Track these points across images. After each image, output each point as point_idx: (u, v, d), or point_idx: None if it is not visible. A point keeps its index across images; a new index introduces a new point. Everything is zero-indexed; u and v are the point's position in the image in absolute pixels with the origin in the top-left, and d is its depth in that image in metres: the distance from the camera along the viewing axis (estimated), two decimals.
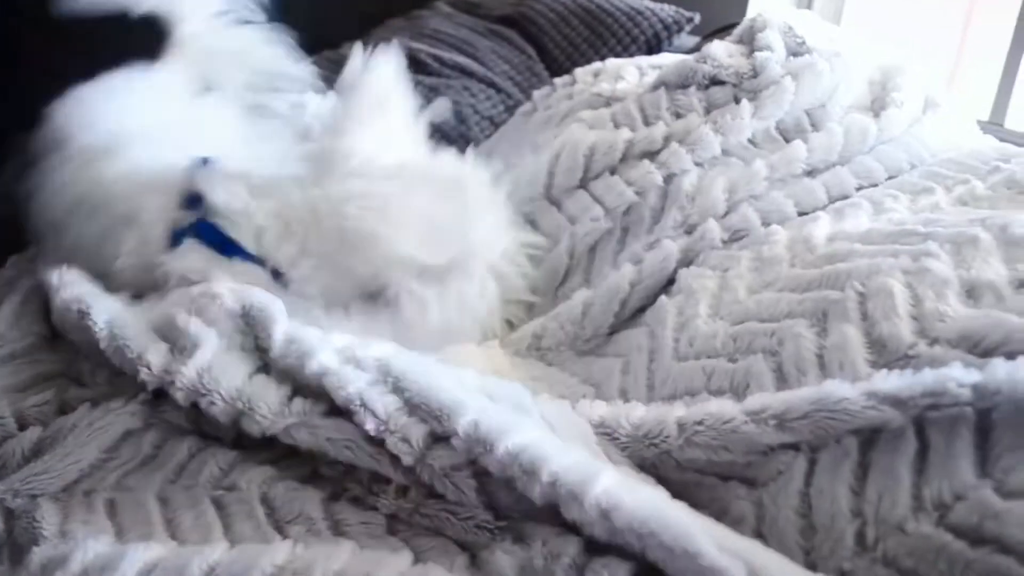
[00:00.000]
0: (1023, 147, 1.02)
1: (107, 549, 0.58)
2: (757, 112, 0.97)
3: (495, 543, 0.60)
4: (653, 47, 1.55)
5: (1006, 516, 0.53)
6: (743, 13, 1.75)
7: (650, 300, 0.91)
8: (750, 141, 0.98)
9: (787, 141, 0.99)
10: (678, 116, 1.01)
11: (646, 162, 0.99)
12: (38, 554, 0.59)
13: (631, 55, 1.53)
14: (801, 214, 0.92)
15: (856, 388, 0.61)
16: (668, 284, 0.91)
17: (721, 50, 1.03)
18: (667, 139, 0.99)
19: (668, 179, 0.98)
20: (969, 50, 1.87)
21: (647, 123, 1.03)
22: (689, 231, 0.94)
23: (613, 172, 1.01)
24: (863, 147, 0.98)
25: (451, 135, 1.39)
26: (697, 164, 0.97)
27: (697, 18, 1.58)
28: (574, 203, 1.03)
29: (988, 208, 0.86)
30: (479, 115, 1.41)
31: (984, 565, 0.51)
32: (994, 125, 1.62)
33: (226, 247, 0.88)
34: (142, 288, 0.87)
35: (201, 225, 0.89)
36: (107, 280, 0.86)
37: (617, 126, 1.06)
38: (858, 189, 0.95)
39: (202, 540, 0.61)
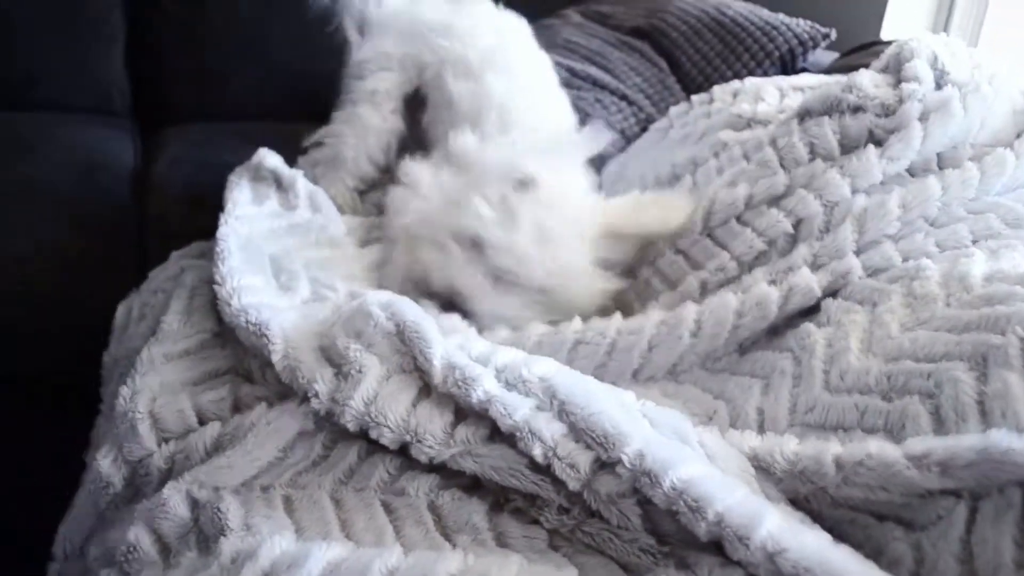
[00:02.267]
0: None
1: (292, 547, 0.62)
2: (885, 153, 0.96)
3: (658, 568, 0.62)
4: (788, 63, 1.54)
5: None
6: (878, 29, 1.73)
7: (788, 324, 0.91)
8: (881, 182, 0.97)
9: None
10: (812, 150, 1.00)
11: (773, 211, 0.99)
12: (227, 545, 0.63)
13: (765, 71, 1.52)
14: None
15: None
16: (806, 312, 0.91)
17: (867, 80, 1.02)
18: (790, 186, 0.99)
19: (797, 224, 0.98)
20: None
21: (783, 164, 1.02)
22: (816, 269, 0.94)
23: (739, 220, 1.01)
24: (1002, 184, 0.96)
25: None
26: (825, 207, 0.97)
27: (833, 34, 1.56)
28: (698, 251, 1.03)
29: None
30: (612, 128, 1.43)
31: None
32: None
33: None
34: None
35: None
36: None
37: (748, 161, 1.06)
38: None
39: (376, 543, 0.65)
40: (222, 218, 1.00)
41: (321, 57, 1.65)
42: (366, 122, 1.29)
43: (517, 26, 1.33)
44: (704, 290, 1.00)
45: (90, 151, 1.47)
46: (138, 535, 0.68)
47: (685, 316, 0.92)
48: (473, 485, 0.72)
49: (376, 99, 1.29)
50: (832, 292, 0.91)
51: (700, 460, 0.67)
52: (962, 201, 0.95)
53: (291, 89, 1.77)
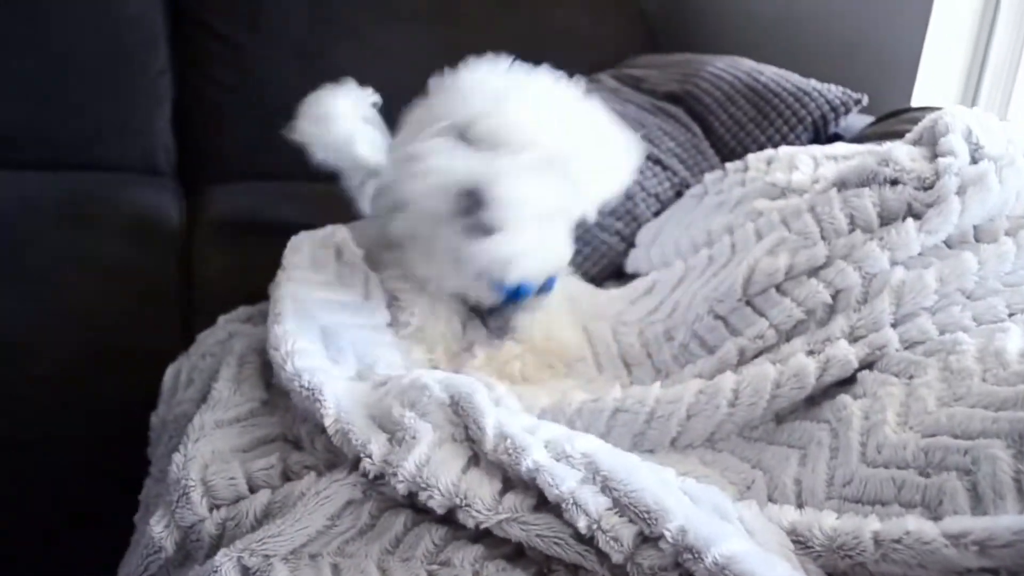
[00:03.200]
0: None
1: None
2: (923, 227, 0.97)
3: None
4: (820, 128, 1.56)
5: None
6: (909, 94, 1.74)
7: (825, 394, 0.93)
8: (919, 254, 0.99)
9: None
10: (852, 221, 1.02)
11: (813, 281, 1.00)
12: None
13: (798, 135, 1.54)
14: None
15: None
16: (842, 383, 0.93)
17: (903, 153, 1.04)
18: (830, 257, 1.01)
19: (836, 295, 0.99)
20: None
21: (823, 235, 1.04)
22: (854, 341, 0.95)
23: (778, 289, 1.03)
24: None
25: (618, 211, 1.44)
26: (864, 278, 0.98)
27: (865, 99, 1.58)
28: (738, 318, 1.05)
29: None
30: (645, 192, 1.46)
31: None
32: None
33: None
34: None
35: None
36: None
37: (789, 229, 1.08)
38: None
39: None
40: (279, 276, 1.03)
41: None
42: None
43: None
44: (742, 357, 1.02)
45: (136, 211, 1.51)
46: None
47: (723, 385, 0.94)
48: (517, 555, 0.73)
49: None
50: (869, 364, 0.93)
51: (740, 536, 0.68)
52: (998, 274, 0.96)
53: None
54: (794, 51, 1.93)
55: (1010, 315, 0.93)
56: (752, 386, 0.93)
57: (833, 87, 1.60)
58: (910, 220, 0.98)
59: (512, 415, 0.81)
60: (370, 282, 1.08)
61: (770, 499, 0.84)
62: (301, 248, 1.08)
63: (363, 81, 1.78)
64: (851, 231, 1.02)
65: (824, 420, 0.89)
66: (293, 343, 0.89)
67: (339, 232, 1.15)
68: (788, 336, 1.00)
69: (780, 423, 0.94)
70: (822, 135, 1.56)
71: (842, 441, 0.85)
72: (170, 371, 1.05)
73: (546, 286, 1.19)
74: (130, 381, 1.14)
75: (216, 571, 0.71)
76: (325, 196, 1.51)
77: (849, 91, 1.60)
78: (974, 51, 1.78)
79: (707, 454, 0.94)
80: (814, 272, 1.01)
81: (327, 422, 0.80)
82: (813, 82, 1.62)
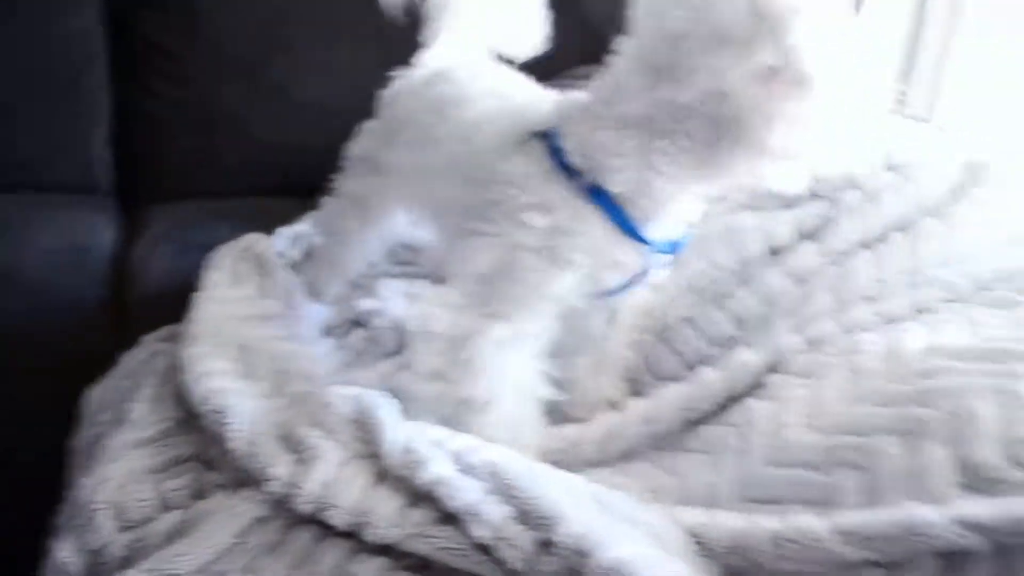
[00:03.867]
0: None
1: None
2: (822, 249, 1.02)
3: None
4: None
5: None
6: None
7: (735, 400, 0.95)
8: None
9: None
10: (770, 247, 1.06)
11: (718, 314, 1.06)
12: None
13: None
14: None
15: (941, 512, 0.64)
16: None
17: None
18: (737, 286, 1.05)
19: (739, 323, 1.04)
20: None
21: (737, 258, 1.08)
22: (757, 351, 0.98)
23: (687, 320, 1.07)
24: (938, 256, 1.00)
25: None
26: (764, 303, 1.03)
27: None
28: (655, 356, 1.07)
29: None
30: None
31: None
32: None
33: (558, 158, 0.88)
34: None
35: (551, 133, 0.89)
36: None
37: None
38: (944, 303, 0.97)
39: None
40: (196, 298, 1.03)
41: (302, 135, 1.73)
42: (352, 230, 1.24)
43: None
44: None
45: (73, 233, 1.51)
46: None
47: (636, 408, 0.98)
48: (420, 566, 0.74)
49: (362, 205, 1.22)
50: (776, 368, 0.94)
51: (639, 539, 0.70)
52: (899, 274, 0.99)
53: (274, 166, 1.81)
54: None
55: (917, 312, 0.96)
56: (661, 407, 0.96)
57: None
58: (808, 243, 1.03)
59: (422, 428, 0.82)
60: (293, 292, 1.09)
61: (682, 503, 0.85)
62: (221, 264, 1.09)
63: (303, 96, 1.80)
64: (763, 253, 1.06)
65: (732, 424, 0.91)
66: (204, 365, 0.90)
67: (259, 242, 1.15)
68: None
69: (693, 429, 0.95)
70: None
71: (747, 443, 0.86)
72: (91, 394, 1.05)
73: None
74: (57, 403, 1.14)
75: None
76: (265, 211, 1.52)
77: None
78: (903, 54, 1.81)
79: (620, 465, 0.95)
80: (719, 300, 1.05)
81: (233, 444, 0.81)
82: None
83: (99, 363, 1.17)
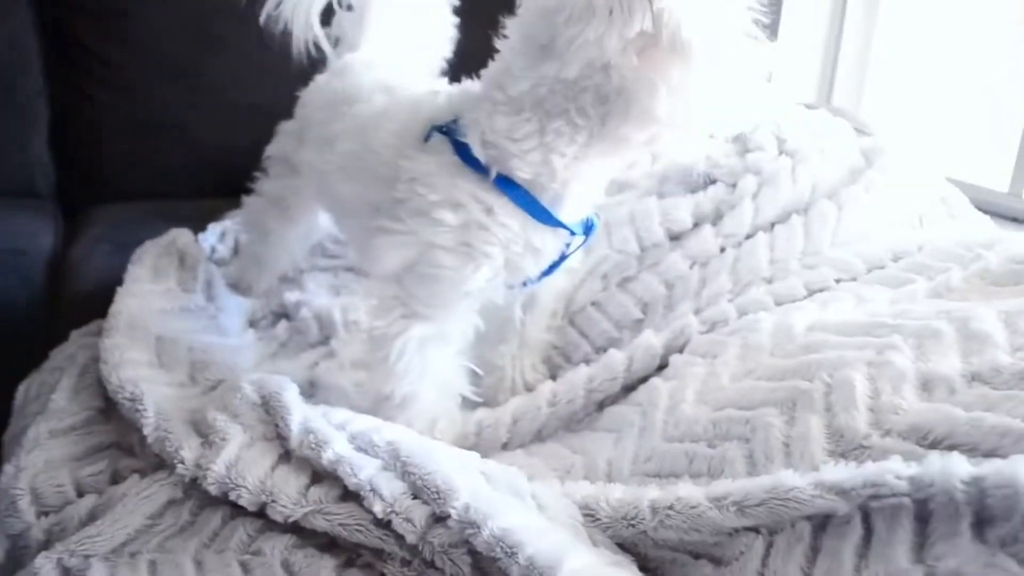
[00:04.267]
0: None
1: None
2: (720, 231, 1.06)
3: None
4: None
5: None
6: None
7: (641, 381, 0.99)
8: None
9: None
10: (667, 230, 1.11)
11: (624, 296, 1.10)
12: None
13: None
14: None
15: (806, 478, 0.68)
16: (660, 368, 0.99)
17: (720, 151, 1.11)
18: (639, 270, 1.10)
19: (644, 308, 1.08)
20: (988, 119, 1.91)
21: (640, 246, 1.13)
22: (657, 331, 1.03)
23: (594, 304, 1.11)
24: (834, 235, 1.05)
25: None
26: (667, 286, 1.07)
27: None
28: (565, 340, 1.12)
29: (960, 299, 0.92)
30: None
31: None
32: (1013, 196, 1.67)
33: (463, 153, 0.90)
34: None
35: (451, 128, 0.91)
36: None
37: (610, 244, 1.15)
38: (838, 282, 1.02)
39: None
40: (118, 291, 1.06)
41: (239, 135, 1.75)
42: (273, 229, 1.27)
43: None
44: None
45: (10, 237, 1.52)
46: None
47: (543, 390, 1.01)
48: (328, 544, 0.77)
49: (281, 205, 1.25)
50: (680, 348, 0.99)
51: (526, 511, 0.74)
52: (796, 254, 1.04)
53: (213, 166, 1.83)
54: None
55: (809, 293, 1.00)
56: (567, 385, 1.00)
57: None
58: (708, 227, 1.07)
59: (323, 410, 0.85)
60: (214, 284, 1.11)
61: (586, 479, 0.89)
62: (143, 259, 1.12)
63: (239, 95, 1.82)
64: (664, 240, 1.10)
65: (637, 403, 0.95)
66: (120, 355, 0.93)
67: (181, 237, 1.18)
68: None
69: (602, 410, 0.99)
70: None
71: (649, 420, 0.90)
72: (21, 388, 1.07)
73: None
74: None
75: (36, 573, 0.74)
76: (204, 211, 1.54)
77: None
78: (825, 49, 1.87)
79: (533, 447, 0.99)
80: (624, 284, 1.09)
81: (146, 430, 0.84)
82: None
83: (35, 361, 1.20)
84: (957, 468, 0.63)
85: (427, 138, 0.91)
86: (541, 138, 0.85)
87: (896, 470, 0.65)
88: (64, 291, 1.42)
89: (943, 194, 1.17)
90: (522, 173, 0.88)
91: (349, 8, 1.22)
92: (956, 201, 1.17)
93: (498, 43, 0.87)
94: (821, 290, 1.00)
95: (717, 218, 1.09)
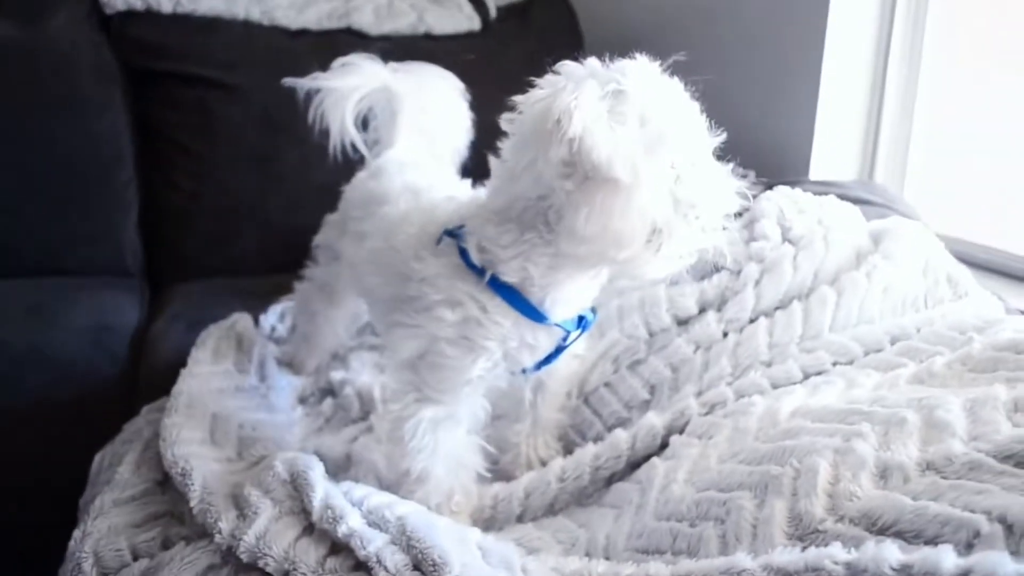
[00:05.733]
0: None
1: None
2: (723, 316, 1.14)
3: None
4: None
5: None
6: (807, 169, 1.89)
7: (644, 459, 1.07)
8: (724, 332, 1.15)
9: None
10: (674, 316, 1.19)
11: (633, 379, 1.19)
12: None
13: None
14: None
15: (758, 560, 0.76)
16: (662, 447, 1.06)
17: (724, 239, 1.19)
18: (648, 353, 1.18)
19: (652, 389, 1.17)
20: None
21: (649, 331, 1.22)
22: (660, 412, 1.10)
23: (607, 386, 1.20)
24: (834, 319, 1.12)
25: None
26: (672, 369, 1.16)
27: (752, 175, 1.72)
28: (579, 418, 1.21)
29: (939, 386, 0.98)
30: None
31: None
32: None
33: (464, 256, 1.00)
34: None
35: (458, 232, 1.01)
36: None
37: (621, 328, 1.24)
38: (835, 364, 1.08)
39: None
40: (181, 373, 1.19)
41: (312, 216, 1.90)
42: (320, 311, 1.39)
43: None
44: None
45: (100, 313, 1.69)
46: None
47: (553, 466, 1.09)
48: None
49: (327, 289, 1.37)
50: (680, 429, 1.06)
51: None
52: (796, 339, 1.11)
53: (287, 245, 1.97)
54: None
55: (805, 377, 1.07)
56: (575, 462, 1.08)
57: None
58: (712, 313, 1.14)
59: (346, 487, 0.95)
60: (266, 366, 1.24)
61: (587, 554, 0.97)
62: (206, 342, 1.25)
63: (308, 180, 1.98)
64: (671, 325, 1.18)
65: (638, 481, 1.03)
66: (177, 433, 1.05)
67: (241, 322, 1.31)
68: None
69: (609, 485, 1.08)
70: None
71: (644, 498, 0.98)
72: (97, 458, 1.20)
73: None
74: (78, 469, 1.30)
75: None
76: (276, 288, 1.68)
77: (739, 168, 1.75)
78: (866, 125, 1.92)
79: (545, 519, 1.07)
80: (633, 367, 1.17)
81: (192, 502, 0.96)
82: None
83: (114, 431, 1.34)
84: (888, 555, 0.70)
85: (439, 241, 1.02)
86: (519, 248, 0.96)
87: (834, 556, 0.72)
88: (142, 366, 1.57)
89: (950, 274, 1.22)
90: (508, 277, 0.99)
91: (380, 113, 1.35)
92: (963, 280, 1.22)
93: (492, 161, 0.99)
94: (818, 373, 1.07)
95: (721, 304, 1.17)
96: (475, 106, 1.33)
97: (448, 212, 1.05)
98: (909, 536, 0.76)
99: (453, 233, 1.01)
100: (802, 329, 1.12)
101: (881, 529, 0.77)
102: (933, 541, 0.74)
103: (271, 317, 1.48)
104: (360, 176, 1.31)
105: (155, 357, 1.57)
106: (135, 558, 0.95)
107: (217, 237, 2.01)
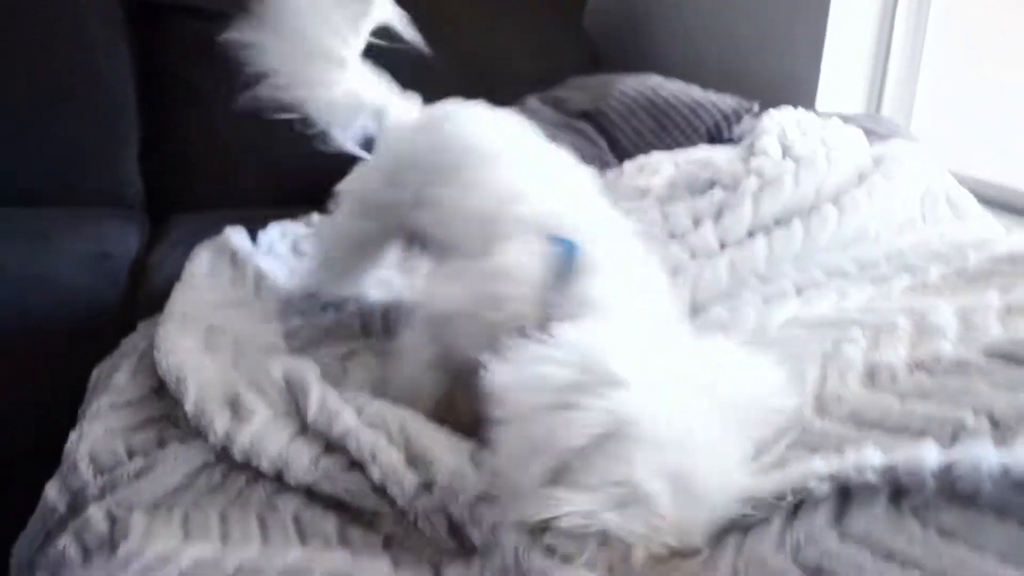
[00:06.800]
0: None
1: (171, 545, 0.80)
2: (719, 225, 1.13)
3: (450, 564, 0.79)
4: (715, 135, 1.70)
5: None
6: (812, 101, 1.87)
7: None
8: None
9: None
10: (670, 232, 1.19)
11: None
12: (123, 548, 0.82)
13: (694, 143, 1.69)
14: None
15: None
16: None
17: (723, 157, 1.18)
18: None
19: None
20: None
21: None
22: None
23: None
24: (832, 238, 1.11)
25: None
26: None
27: (756, 107, 1.72)
28: None
29: (933, 295, 0.98)
30: None
31: None
32: None
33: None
34: None
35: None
36: None
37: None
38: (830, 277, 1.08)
39: (243, 543, 0.83)
40: (175, 287, 1.20)
41: (314, 153, 1.90)
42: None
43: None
44: None
45: (101, 241, 1.70)
46: (66, 544, 0.86)
47: None
48: (334, 504, 0.88)
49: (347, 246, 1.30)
50: None
51: None
52: (790, 256, 1.10)
53: (290, 179, 1.98)
54: (721, 68, 2.07)
55: (798, 292, 1.07)
56: None
57: (728, 97, 1.74)
58: (708, 223, 1.13)
59: (345, 395, 0.96)
60: (262, 281, 1.24)
61: None
62: (200, 257, 1.25)
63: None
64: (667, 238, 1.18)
65: None
66: (172, 343, 1.06)
67: (233, 236, 1.31)
68: None
69: None
70: (717, 141, 1.70)
71: None
72: (95, 371, 1.21)
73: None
74: (78, 383, 1.31)
75: (88, 520, 0.87)
76: (276, 218, 1.69)
77: (743, 100, 1.74)
78: (875, 57, 1.90)
79: None
80: None
81: (187, 406, 0.97)
82: (711, 94, 1.76)
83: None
84: (870, 460, 0.70)
85: None
86: None
87: (817, 472, 0.72)
88: (141, 290, 1.57)
89: (950, 195, 1.21)
90: None
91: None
92: (963, 203, 1.22)
93: None
94: (810, 287, 1.07)
95: (718, 217, 1.16)
96: None
97: None
98: (896, 431, 0.76)
99: None
100: (801, 246, 1.11)
101: (870, 425, 0.78)
102: (920, 436, 0.74)
103: (271, 233, 1.48)
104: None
105: (154, 281, 1.58)
106: (130, 456, 0.96)
107: (218, 171, 2.01)
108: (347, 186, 1.31)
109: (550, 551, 0.70)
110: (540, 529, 0.71)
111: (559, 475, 0.70)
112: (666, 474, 0.70)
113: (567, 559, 0.69)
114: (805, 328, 0.94)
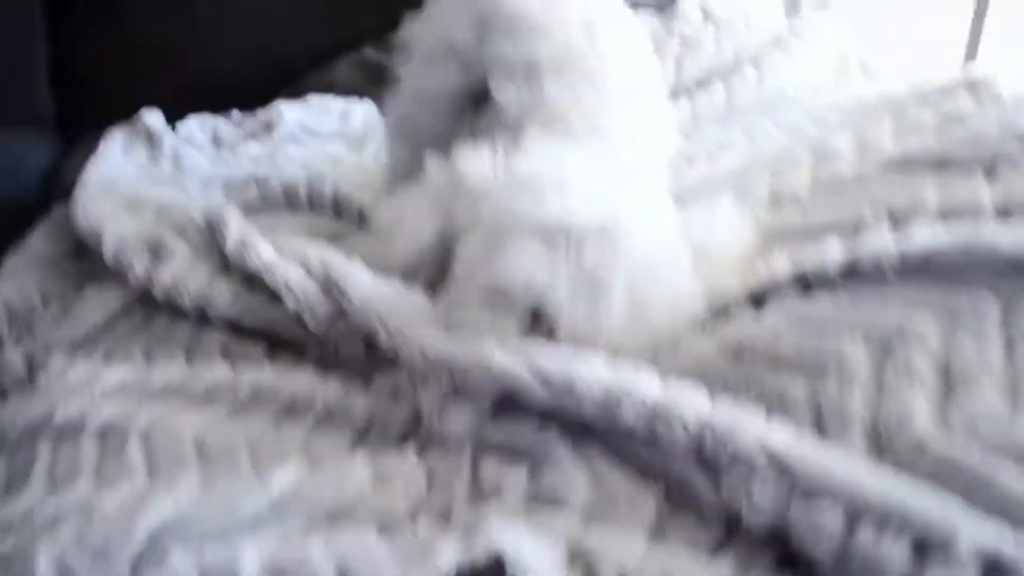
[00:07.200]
0: None
1: (93, 369, 0.81)
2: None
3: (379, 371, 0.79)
4: None
5: None
6: None
7: None
8: None
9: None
10: None
11: None
12: (43, 378, 0.82)
13: None
14: None
15: None
16: None
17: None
18: None
19: None
20: None
21: None
22: None
23: None
24: (754, 96, 1.17)
25: None
26: None
27: None
28: None
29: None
30: None
31: None
32: None
33: None
34: None
35: None
36: None
37: None
38: None
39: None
40: (88, 162, 1.20)
41: (236, 68, 1.87)
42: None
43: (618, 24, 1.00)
44: None
45: (12, 157, 1.67)
46: None
47: None
48: (260, 336, 0.87)
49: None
50: None
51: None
52: (712, 116, 1.14)
53: (205, 90, 1.95)
54: None
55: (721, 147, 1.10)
56: None
57: None
58: None
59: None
60: (181, 158, 1.24)
61: None
62: (114, 137, 1.24)
63: (225, 32, 1.94)
64: None
65: None
66: (87, 201, 1.05)
67: (148, 117, 1.30)
68: None
69: None
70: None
71: None
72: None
73: None
74: None
75: (6, 362, 0.87)
76: None
77: None
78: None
79: None
80: None
81: (106, 253, 0.96)
82: None
83: None
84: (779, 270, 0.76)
85: None
86: None
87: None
88: (57, 193, 1.54)
89: (862, 60, 1.27)
90: None
91: None
92: (874, 68, 1.28)
93: None
94: (728, 148, 1.10)
95: None
96: None
97: None
98: (800, 237, 0.80)
99: None
100: (724, 107, 1.15)
101: (773, 239, 0.82)
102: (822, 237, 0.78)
103: (189, 124, 1.46)
104: None
105: (68, 184, 1.55)
106: (45, 305, 0.95)
107: (131, 84, 1.96)
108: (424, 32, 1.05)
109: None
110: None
111: None
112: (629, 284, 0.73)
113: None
114: (719, 178, 0.97)
